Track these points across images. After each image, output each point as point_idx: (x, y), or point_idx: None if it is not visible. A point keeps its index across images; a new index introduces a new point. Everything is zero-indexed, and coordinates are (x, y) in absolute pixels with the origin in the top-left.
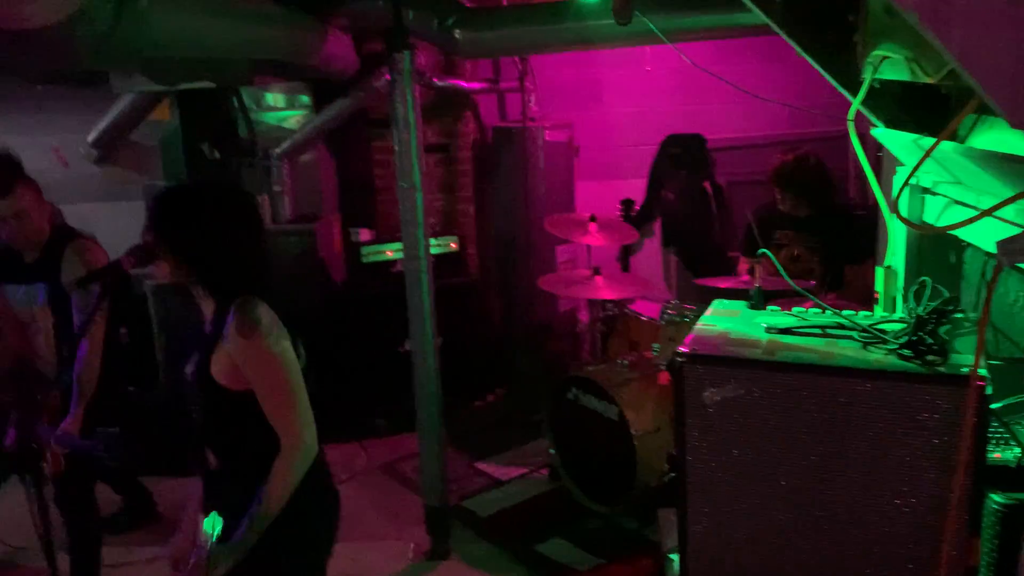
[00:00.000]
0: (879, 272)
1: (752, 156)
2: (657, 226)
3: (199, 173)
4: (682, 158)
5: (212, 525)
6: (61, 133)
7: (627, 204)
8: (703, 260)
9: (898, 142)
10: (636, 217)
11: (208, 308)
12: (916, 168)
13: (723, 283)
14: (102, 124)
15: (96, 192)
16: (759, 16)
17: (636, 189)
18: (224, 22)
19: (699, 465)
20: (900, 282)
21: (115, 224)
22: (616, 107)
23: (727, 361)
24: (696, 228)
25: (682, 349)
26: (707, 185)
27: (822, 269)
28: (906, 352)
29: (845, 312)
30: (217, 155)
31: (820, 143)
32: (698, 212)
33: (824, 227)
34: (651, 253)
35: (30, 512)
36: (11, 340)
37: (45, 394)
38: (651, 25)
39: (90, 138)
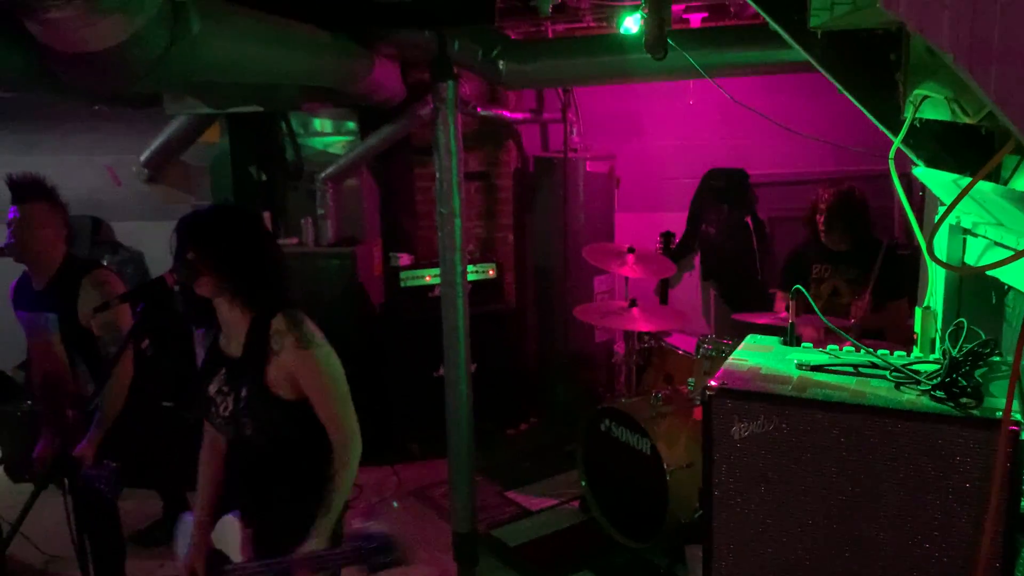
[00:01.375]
0: (917, 313)
1: (795, 192)
2: (697, 260)
3: (246, 195)
4: (724, 192)
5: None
6: (115, 153)
7: (667, 237)
8: (743, 295)
9: (938, 181)
10: (675, 250)
11: (239, 324)
12: (951, 208)
13: (761, 319)
14: (154, 144)
15: (146, 211)
16: (800, 53)
17: (676, 222)
18: (274, 49)
19: (726, 500)
20: (939, 323)
21: (163, 242)
22: (658, 139)
23: (756, 396)
24: (736, 263)
25: (712, 383)
26: (748, 220)
27: (863, 303)
28: (939, 394)
29: (879, 352)
30: (264, 178)
31: (864, 181)
32: (739, 247)
33: (863, 260)
34: (690, 286)
35: (66, 522)
36: (37, 358)
37: (72, 411)
38: (691, 60)
39: (142, 158)
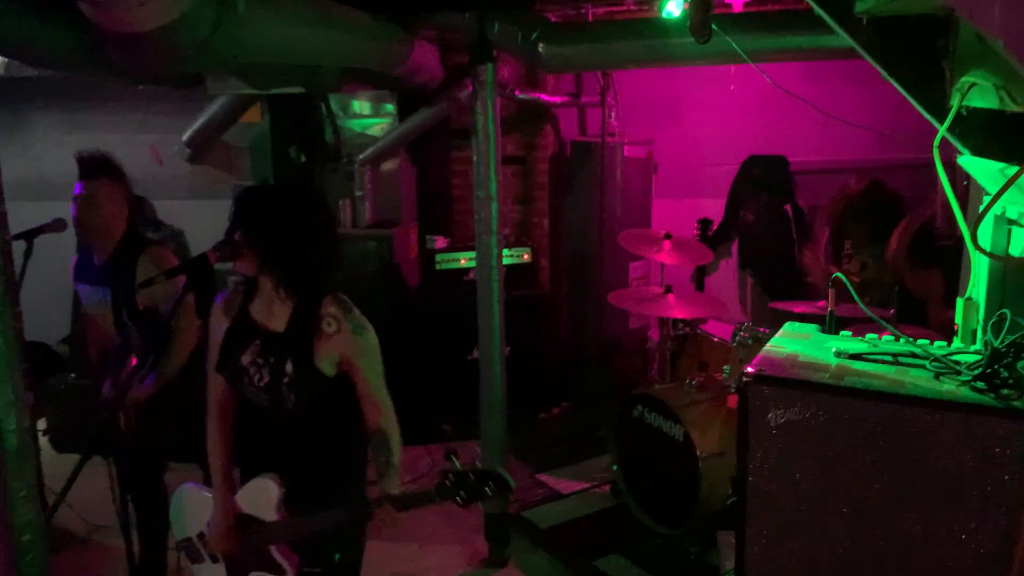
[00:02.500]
0: (959, 303)
1: (836, 180)
2: (734, 247)
3: (285, 176)
4: (763, 179)
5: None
6: (157, 132)
7: (704, 223)
8: (780, 283)
9: (984, 170)
10: (713, 237)
11: (282, 302)
12: (997, 197)
13: (799, 307)
14: (196, 124)
15: (187, 190)
16: (845, 39)
17: (715, 209)
18: (317, 31)
19: (760, 487)
20: (980, 314)
21: (203, 221)
22: (698, 125)
23: (793, 383)
24: (775, 251)
25: (749, 369)
26: (788, 208)
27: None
28: (980, 384)
29: (919, 341)
30: (303, 159)
31: (907, 170)
32: (777, 235)
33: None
34: (727, 274)
35: (111, 492)
36: (93, 331)
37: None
38: (734, 44)
39: (184, 138)
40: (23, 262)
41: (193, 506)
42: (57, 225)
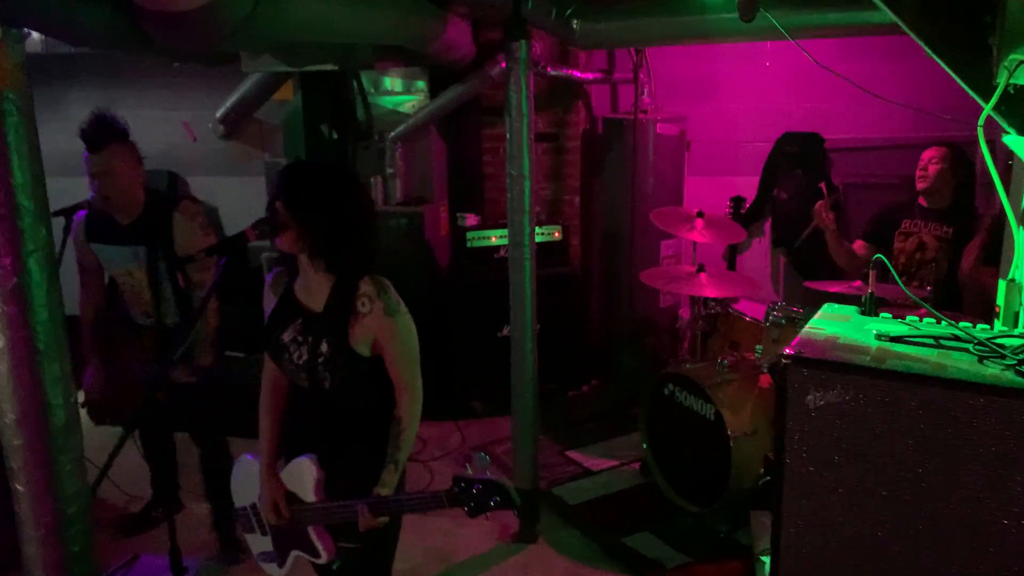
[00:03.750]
0: (1001, 285)
1: (872, 158)
2: (767, 226)
3: (317, 152)
4: (798, 157)
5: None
6: (191, 109)
7: (737, 201)
8: (814, 263)
9: None
10: (746, 215)
11: (321, 281)
12: None
13: (834, 287)
14: (230, 101)
15: (221, 166)
16: (887, 15)
17: (748, 187)
18: (354, 8)
19: (798, 469)
20: (1023, 297)
21: (236, 197)
22: (731, 102)
23: (833, 366)
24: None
25: (788, 351)
26: (823, 186)
27: (946, 261)
28: None
29: (961, 324)
30: (335, 136)
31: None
32: (811, 213)
33: (956, 220)
34: (759, 253)
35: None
36: (92, 293)
37: (139, 337)
38: (774, 20)
39: (218, 114)
40: (63, 238)
41: (249, 477)
42: (96, 202)
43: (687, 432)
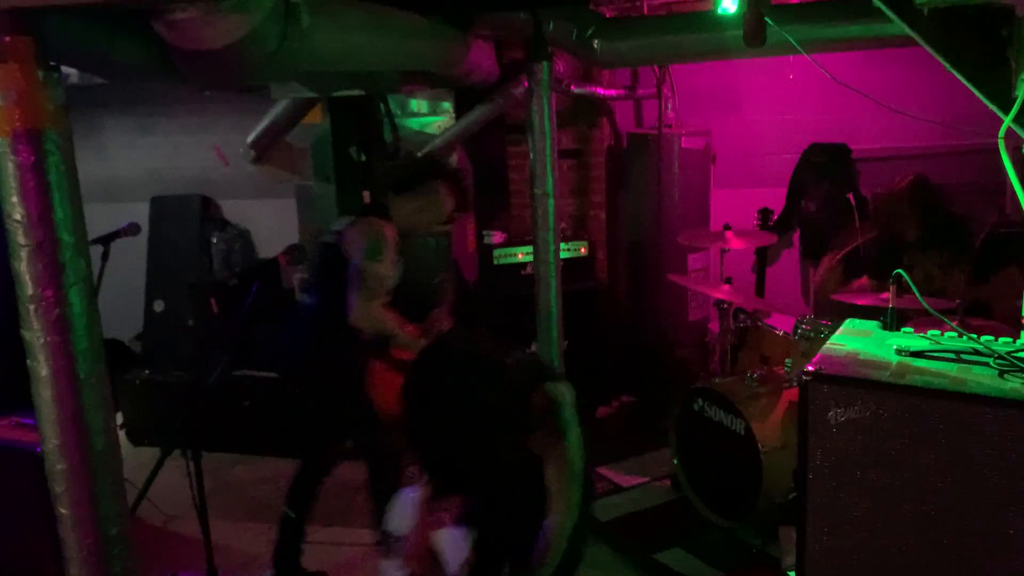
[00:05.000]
0: None
1: (900, 167)
2: (796, 237)
3: (346, 175)
4: (825, 168)
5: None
6: (223, 134)
7: (765, 213)
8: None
9: None
10: (774, 227)
11: None
12: None
13: (861, 300)
14: (260, 127)
15: (252, 190)
16: (902, 28)
17: (775, 198)
18: (377, 38)
19: (821, 484)
20: None
21: (268, 220)
22: (756, 114)
23: (854, 382)
24: (837, 240)
25: (809, 368)
26: (850, 196)
27: (959, 284)
28: None
29: (983, 338)
30: (363, 158)
31: (975, 155)
32: (840, 224)
33: (947, 241)
34: (789, 264)
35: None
36: None
37: None
38: (790, 39)
39: (249, 139)
40: (101, 265)
41: (404, 509)
42: (132, 229)
43: (717, 447)
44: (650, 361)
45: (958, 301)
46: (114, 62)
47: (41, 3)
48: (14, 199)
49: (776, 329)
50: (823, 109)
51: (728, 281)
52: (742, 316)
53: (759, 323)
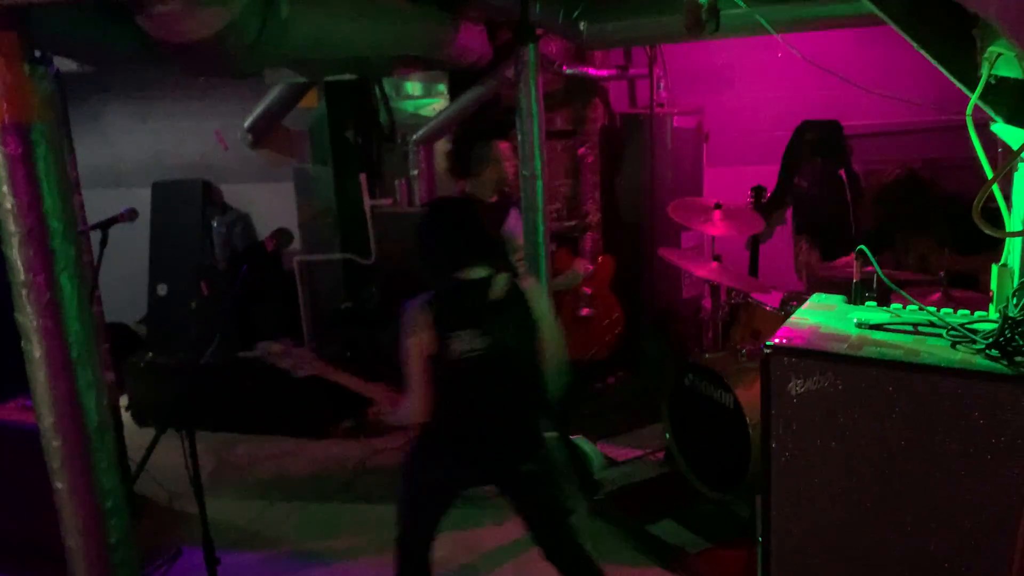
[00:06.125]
0: (994, 270)
1: (891, 143)
2: (789, 214)
3: (343, 158)
4: (817, 144)
5: None
6: (221, 118)
7: (758, 191)
8: (836, 249)
9: (1017, 137)
10: (767, 204)
11: None
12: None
13: (853, 274)
14: (256, 111)
15: (251, 173)
16: (870, 7)
17: (768, 175)
18: (360, 24)
19: (784, 452)
20: (1015, 281)
21: (267, 202)
22: (748, 92)
23: (811, 354)
24: (830, 216)
25: (770, 341)
26: (842, 173)
27: (952, 261)
28: (993, 352)
29: (942, 311)
30: (360, 141)
31: (965, 130)
32: (832, 200)
33: (937, 223)
34: (782, 241)
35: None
36: None
37: None
38: (760, 18)
39: (246, 124)
40: (99, 250)
41: None
42: (130, 215)
43: (708, 420)
44: (645, 337)
45: (941, 273)
46: (106, 50)
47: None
48: (4, 188)
49: (767, 305)
50: (815, 86)
51: (717, 259)
52: (734, 293)
53: (750, 299)
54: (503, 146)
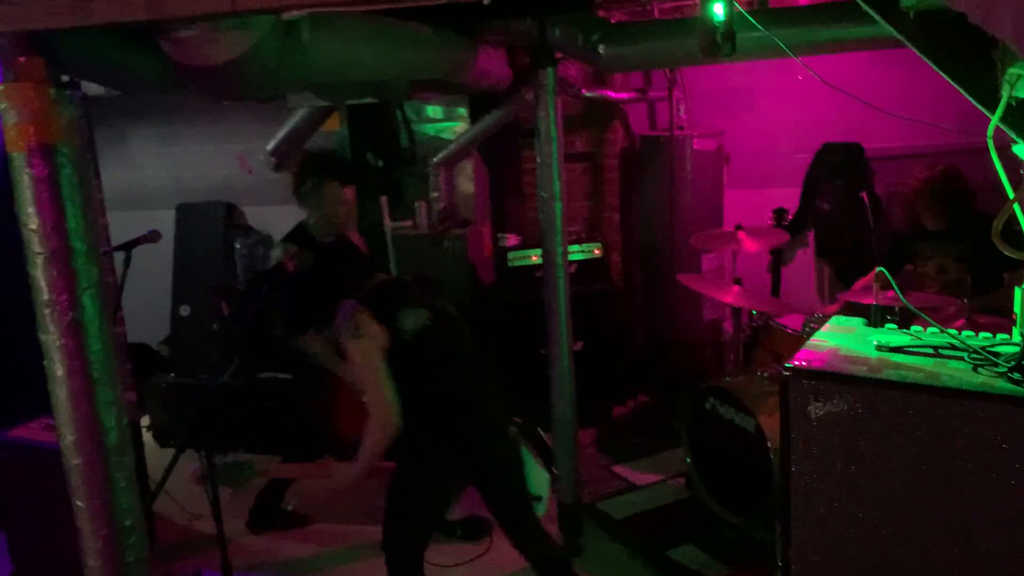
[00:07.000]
0: (1017, 292)
1: (915, 166)
2: (811, 236)
3: (364, 181)
4: (839, 167)
5: None
6: (244, 142)
7: (779, 213)
8: (858, 272)
9: None
10: (789, 226)
11: None
12: None
13: (869, 299)
14: (280, 135)
15: (274, 196)
16: (886, 28)
17: (789, 198)
18: (380, 49)
19: (803, 476)
20: None
21: (289, 224)
22: (769, 115)
23: (831, 376)
24: (851, 239)
25: (789, 363)
26: (864, 195)
27: (971, 278)
28: (1016, 376)
29: (963, 333)
30: (381, 163)
31: (984, 153)
32: (854, 223)
33: (965, 234)
34: (804, 264)
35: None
36: None
37: None
38: (779, 41)
39: (269, 147)
40: (123, 270)
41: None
42: (153, 236)
43: (729, 445)
44: (666, 360)
45: (965, 299)
46: (129, 75)
47: (52, 25)
48: (30, 210)
49: (788, 328)
50: (836, 108)
51: (738, 282)
52: (755, 315)
53: (771, 322)
54: (336, 187)
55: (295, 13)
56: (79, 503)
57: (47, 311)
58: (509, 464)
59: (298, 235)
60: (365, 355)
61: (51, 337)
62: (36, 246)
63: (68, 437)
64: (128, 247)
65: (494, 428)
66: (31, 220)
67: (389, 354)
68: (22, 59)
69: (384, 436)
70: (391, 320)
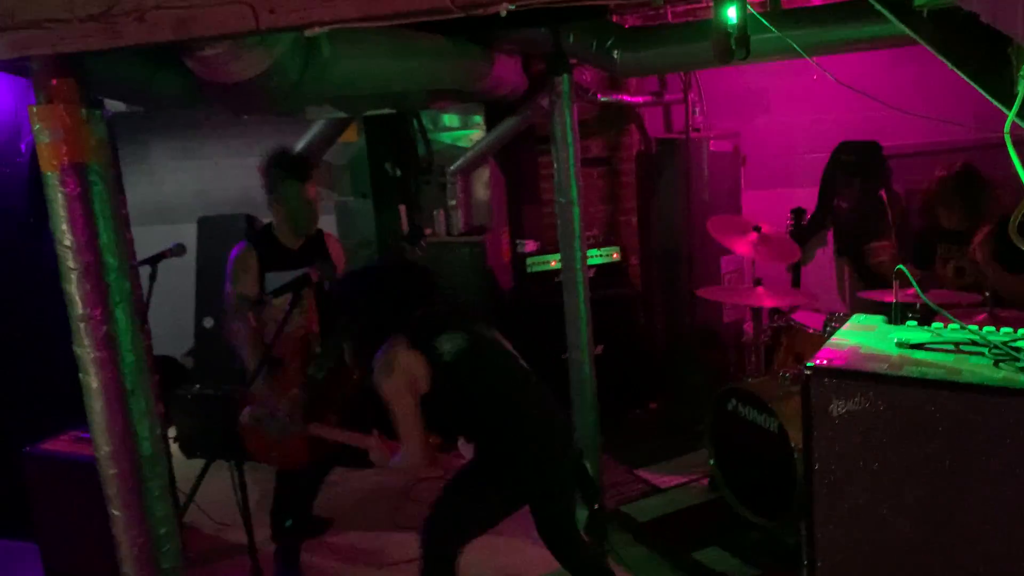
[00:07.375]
0: None
1: (933, 163)
2: (829, 236)
3: (382, 190)
4: (856, 166)
5: None
6: (264, 155)
7: (798, 213)
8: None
9: None
10: (807, 226)
11: None
12: None
13: (890, 296)
14: (298, 146)
15: None
16: (900, 27)
17: (807, 198)
18: (399, 62)
19: (825, 475)
20: None
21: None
22: (785, 115)
23: (852, 375)
24: (870, 238)
25: (810, 362)
26: (883, 193)
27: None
28: None
29: (984, 329)
30: (398, 173)
31: (1002, 149)
32: (872, 221)
33: (985, 219)
34: (823, 263)
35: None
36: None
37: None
38: (792, 42)
39: None
40: (149, 284)
41: None
42: (178, 250)
43: (752, 446)
44: (686, 363)
45: (986, 293)
46: (154, 94)
47: (83, 47)
48: (64, 227)
49: (808, 328)
50: (852, 108)
51: (758, 282)
52: (776, 316)
53: (792, 323)
54: (294, 184)
55: (317, 30)
56: (116, 512)
57: (81, 325)
58: (566, 488)
59: (263, 236)
60: (396, 394)
61: (86, 350)
62: (71, 262)
63: (104, 448)
64: (154, 261)
65: (556, 454)
66: (65, 237)
67: (433, 379)
68: (54, 81)
69: (413, 469)
70: (429, 347)
